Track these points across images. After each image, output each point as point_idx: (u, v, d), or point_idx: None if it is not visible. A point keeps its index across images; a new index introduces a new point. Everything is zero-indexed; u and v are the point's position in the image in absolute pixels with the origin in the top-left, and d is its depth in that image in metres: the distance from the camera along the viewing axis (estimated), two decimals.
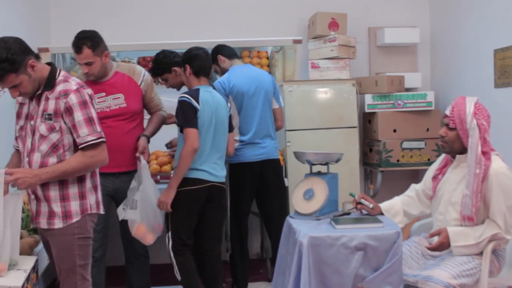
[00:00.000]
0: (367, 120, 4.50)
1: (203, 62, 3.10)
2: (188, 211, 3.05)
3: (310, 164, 2.86)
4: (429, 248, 2.52)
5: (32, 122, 2.31)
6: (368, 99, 4.28)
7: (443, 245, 2.46)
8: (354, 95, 4.20)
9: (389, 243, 2.39)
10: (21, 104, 2.42)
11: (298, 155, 2.91)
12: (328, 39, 4.21)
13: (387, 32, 4.49)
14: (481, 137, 2.46)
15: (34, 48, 3.94)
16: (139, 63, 4.50)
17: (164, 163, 4.04)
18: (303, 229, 2.47)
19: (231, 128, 3.25)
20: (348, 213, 2.81)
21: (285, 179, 3.86)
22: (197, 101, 2.97)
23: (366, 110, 4.33)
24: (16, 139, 2.45)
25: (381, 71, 4.64)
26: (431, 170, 2.79)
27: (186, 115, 2.95)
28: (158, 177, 3.95)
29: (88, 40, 2.95)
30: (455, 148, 2.56)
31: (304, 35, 4.51)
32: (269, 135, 3.51)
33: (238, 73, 3.45)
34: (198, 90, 3.03)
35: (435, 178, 2.71)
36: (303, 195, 2.74)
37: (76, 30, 4.41)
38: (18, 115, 2.41)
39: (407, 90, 4.42)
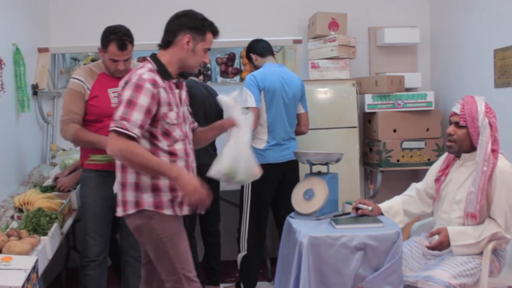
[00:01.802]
0: (367, 120, 4.50)
1: None
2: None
3: (310, 164, 2.86)
4: (428, 247, 2.52)
5: (182, 109, 2.29)
6: (368, 99, 4.28)
7: (443, 244, 2.46)
8: (354, 95, 4.20)
9: (389, 243, 2.39)
10: (165, 89, 2.19)
11: (298, 155, 2.91)
12: (328, 39, 4.21)
13: (387, 32, 4.49)
14: (492, 135, 2.49)
15: (34, 48, 4.00)
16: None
17: None
18: (303, 229, 2.47)
19: None
20: (348, 213, 2.81)
21: None
22: None
23: (366, 110, 4.33)
24: (140, 126, 2.09)
25: (381, 71, 4.64)
26: (433, 170, 2.78)
27: None
28: None
29: (129, 37, 2.88)
30: (464, 146, 2.55)
31: (304, 35, 4.51)
32: (292, 137, 3.55)
33: (273, 72, 3.47)
34: None
35: (437, 180, 2.70)
36: (303, 195, 2.75)
37: (76, 30, 4.47)
38: (168, 102, 2.18)
39: (407, 90, 4.42)
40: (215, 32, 2.31)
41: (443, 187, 2.66)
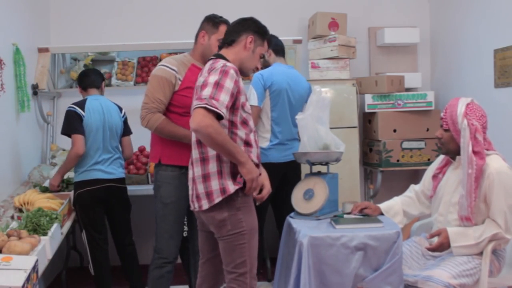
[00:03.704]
0: (367, 120, 4.50)
1: (90, 78, 3.57)
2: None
3: (310, 164, 2.86)
4: (429, 249, 2.52)
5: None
6: (368, 99, 4.28)
7: (443, 246, 2.46)
8: (354, 95, 4.20)
9: (389, 243, 2.39)
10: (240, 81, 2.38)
11: (297, 156, 2.89)
12: (328, 39, 4.21)
13: (387, 32, 4.49)
14: (472, 137, 2.46)
15: (34, 48, 4.00)
16: (139, 63, 4.51)
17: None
18: (303, 229, 2.47)
19: (126, 132, 3.58)
20: (348, 213, 2.81)
21: None
22: (83, 109, 3.36)
23: (366, 110, 4.33)
24: (227, 107, 2.19)
25: (381, 71, 4.64)
26: (431, 169, 2.79)
27: (73, 124, 3.33)
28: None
29: None
30: (451, 149, 2.57)
31: (304, 35, 4.51)
32: (296, 138, 3.52)
33: (280, 72, 3.47)
34: (85, 100, 3.44)
35: (435, 177, 2.71)
36: (303, 195, 2.74)
37: (76, 30, 4.47)
38: (244, 92, 2.35)
39: (407, 90, 4.42)
40: (270, 42, 2.53)
41: (440, 187, 2.66)
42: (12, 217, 2.99)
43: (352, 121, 4.17)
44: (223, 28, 2.86)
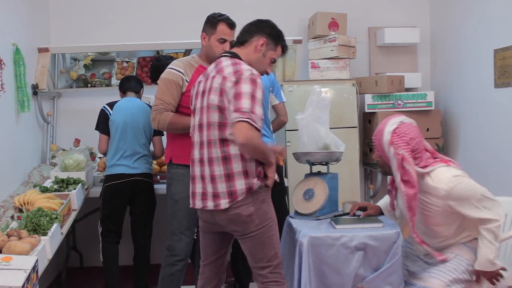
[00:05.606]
0: (367, 120, 4.50)
1: (130, 83, 3.80)
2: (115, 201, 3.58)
3: (310, 164, 2.86)
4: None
5: None
6: (368, 99, 4.28)
7: (485, 276, 2.37)
8: (354, 95, 4.20)
9: (389, 243, 2.39)
10: None
11: (297, 156, 2.88)
12: (328, 39, 4.21)
13: (387, 32, 4.49)
14: (399, 167, 2.37)
15: (34, 48, 4.00)
16: (139, 63, 4.51)
17: (164, 163, 4.05)
18: (303, 229, 2.47)
19: (157, 132, 3.66)
20: (348, 213, 2.81)
21: (285, 179, 3.86)
22: (111, 108, 3.62)
23: (366, 110, 4.33)
24: (261, 119, 2.23)
25: (381, 71, 4.64)
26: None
27: (99, 122, 3.66)
28: (158, 177, 3.96)
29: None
30: (387, 171, 2.50)
31: (304, 35, 4.51)
32: (264, 134, 3.42)
33: None
34: (118, 100, 3.69)
35: (390, 192, 2.65)
36: (303, 195, 2.74)
37: (76, 30, 4.47)
38: None
39: (407, 90, 4.42)
40: (285, 48, 2.47)
41: (397, 204, 2.61)
42: (12, 217, 2.99)
43: (352, 121, 4.17)
44: (221, 27, 2.87)
